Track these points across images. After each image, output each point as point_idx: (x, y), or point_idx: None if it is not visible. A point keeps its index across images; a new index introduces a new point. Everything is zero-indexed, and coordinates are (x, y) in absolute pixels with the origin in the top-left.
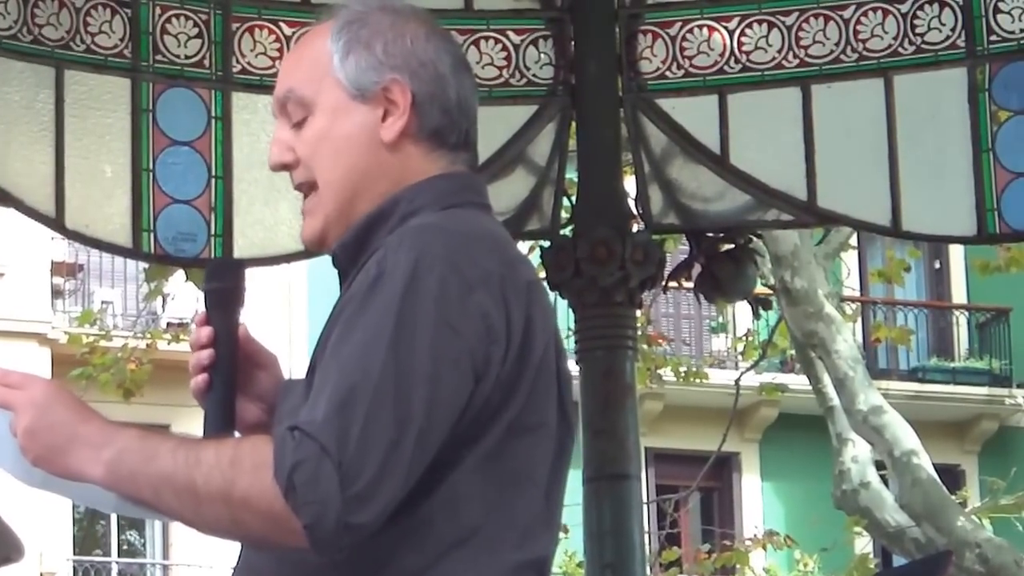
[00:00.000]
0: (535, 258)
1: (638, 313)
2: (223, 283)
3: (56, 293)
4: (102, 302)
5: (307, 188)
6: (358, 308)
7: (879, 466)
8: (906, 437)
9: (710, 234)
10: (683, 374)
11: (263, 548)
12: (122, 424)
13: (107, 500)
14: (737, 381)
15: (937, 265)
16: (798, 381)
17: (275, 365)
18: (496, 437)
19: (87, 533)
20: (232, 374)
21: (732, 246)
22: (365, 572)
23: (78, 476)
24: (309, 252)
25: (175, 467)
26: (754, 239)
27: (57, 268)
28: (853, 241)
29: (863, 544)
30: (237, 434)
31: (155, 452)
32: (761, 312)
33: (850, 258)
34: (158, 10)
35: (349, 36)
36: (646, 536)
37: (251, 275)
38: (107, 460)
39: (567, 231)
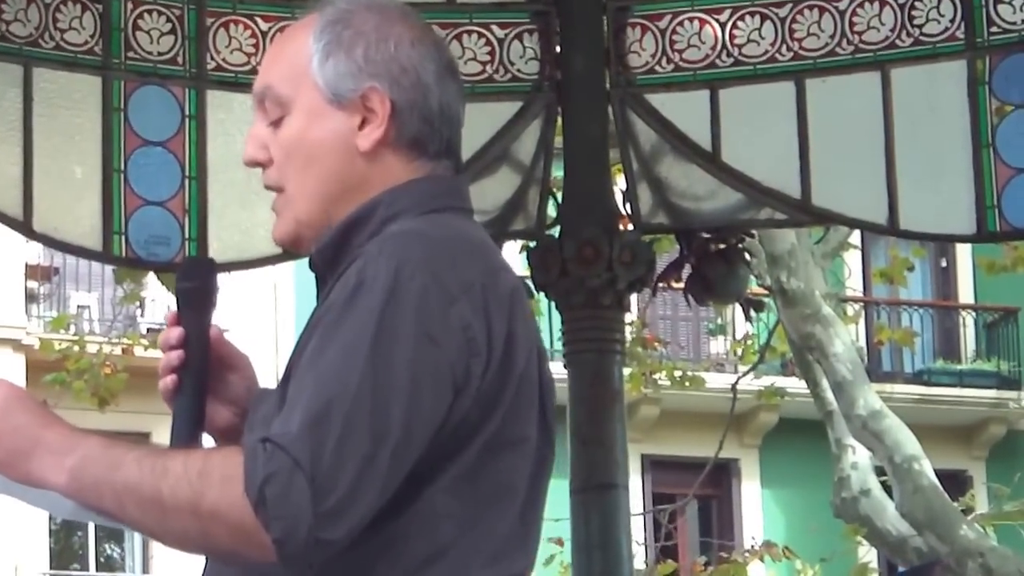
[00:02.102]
0: (521, 259)
1: (634, 316)
2: (195, 282)
3: (31, 297)
4: (78, 306)
5: (278, 189)
6: (336, 318)
7: (880, 473)
8: (907, 442)
9: (701, 234)
10: (679, 378)
11: (230, 562)
12: (86, 431)
13: (65, 506)
14: (734, 386)
15: (943, 264)
16: (798, 385)
17: (248, 368)
18: (474, 453)
19: (64, 546)
20: (203, 376)
21: (723, 246)
22: None
23: (40, 483)
24: (287, 255)
25: (140, 477)
26: (747, 239)
27: (32, 271)
28: (855, 239)
29: (866, 554)
30: (206, 437)
31: (120, 461)
32: (753, 314)
33: (853, 257)
34: (130, 5)
35: (330, 37)
36: (643, 548)
37: (238, 276)
38: (70, 467)
39: (553, 231)
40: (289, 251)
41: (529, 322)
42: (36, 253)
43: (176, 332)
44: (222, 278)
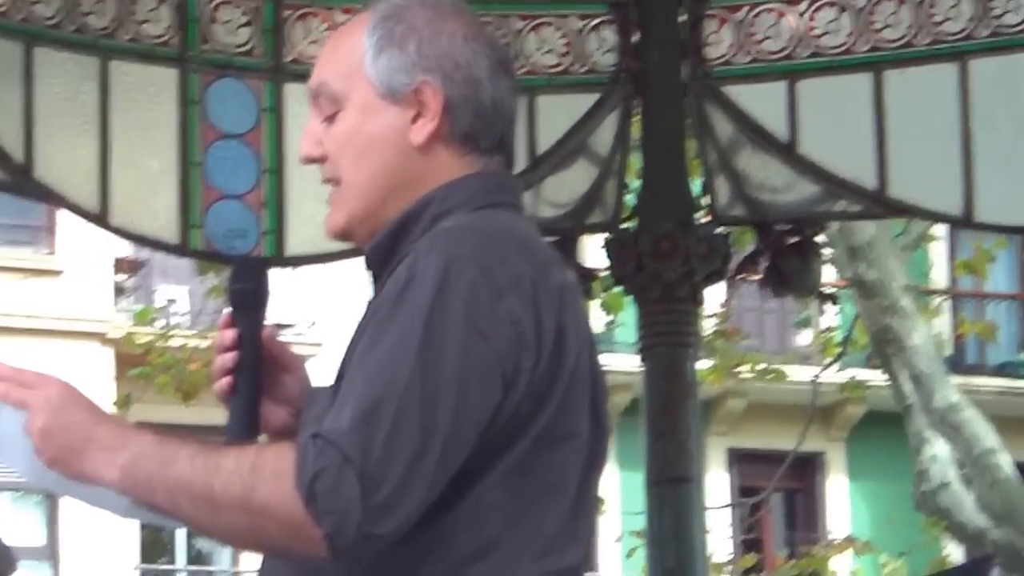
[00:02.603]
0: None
1: (719, 308)
2: (247, 284)
3: (119, 291)
4: (166, 300)
5: (335, 183)
6: (387, 314)
7: (961, 466)
8: (985, 435)
9: (777, 227)
10: (760, 371)
11: (282, 557)
12: (139, 428)
13: (120, 504)
14: (815, 378)
15: None
16: (881, 378)
17: (301, 368)
18: (525, 447)
19: (154, 540)
20: (257, 377)
21: (799, 239)
22: None
23: (93, 479)
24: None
25: (193, 473)
26: (825, 231)
27: (120, 265)
28: (937, 231)
29: (948, 545)
30: (262, 438)
31: (173, 457)
32: (828, 307)
33: (939, 249)
34: None
35: (383, 32)
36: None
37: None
38: (122, 464)
39: (630, 224)
40: (341, 243)
41: (580, 317)
42: (124, 246)
43: (230, 334)
44: (308, 271)
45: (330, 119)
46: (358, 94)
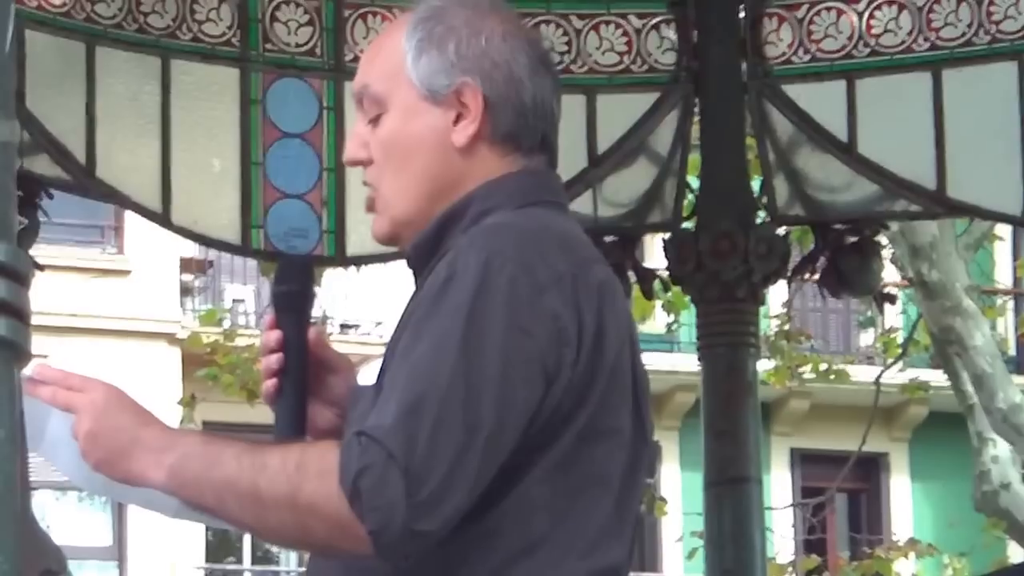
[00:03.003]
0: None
1: (781, 309)
2: (291, 285)
3: (185, 291)
4: (233, 300)
5: (375, 187)
6: (428, 311)
7: (1022, 467)
8: None
9: (836, 226)
10: (823, 372)
11: (328, 555)
12: (185, 429)
13: (169, 505)
14: (878, 379)
15: None
16: (943, 378)
17: (348, 369)
18: (568, 443)
19: (220, 539)
20: (303, 379)
21: (858, 239)
22: None
23: (140, 481)
24: None
25: (239, 472)
26: (886, 231)
27: (186, 265)
28: (1001, 231)
29: (1013, 547)
30: (309, 439)
31: (218, 457)
32: (887, 307)
33: (1003, 249)
34: None
35: (423, 34)
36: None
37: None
38: (169, 465)
39: (689, 223)
40: (388, 247)
41: (621, 315)
42: (191, 246)
43: (275, 336)
44: (374, 271)
45: (374, 122)
46: (400, 96)
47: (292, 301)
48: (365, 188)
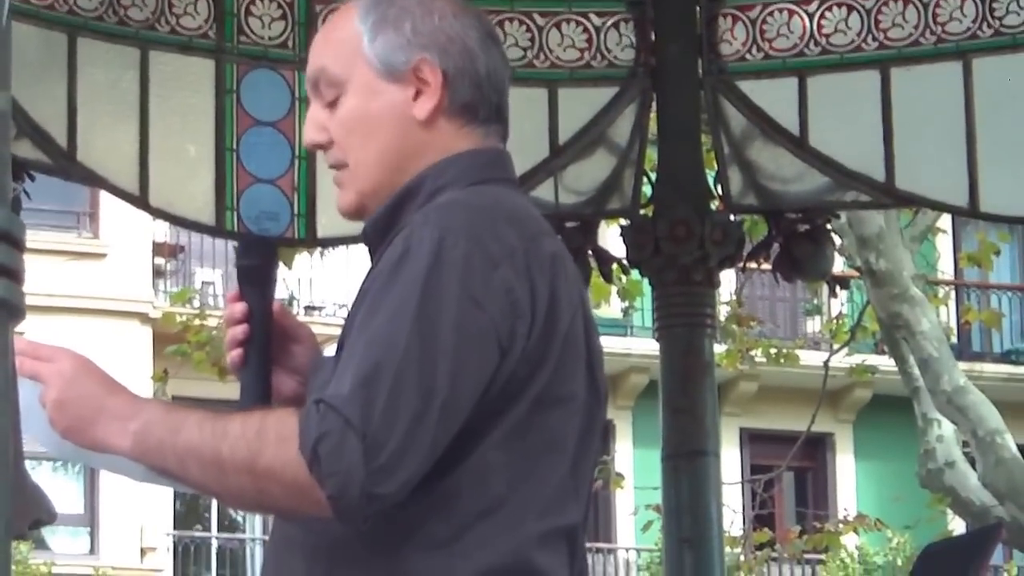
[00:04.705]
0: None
1: (730, 295)
2: (254, 260)
3: (158, 273)
4: (203, 282)
5: (341, 165)
6: (384, 285)
7: (964, 445)
8: (990, 416)
9: (789, 215)
10: (774, 355)
11: (289, 519)
12: (148, 398)
13: (136, 470)
14: (826, 363)
15: None
16: (889, 363)
17: (311, 338)
18: (523, 409)
19: (189, 508)
20: (267, 348)
21: (810, 227)
22: (392, 541)
23: (105, 447)
24: None
25: (201, 439)
26: (834, 220)
27: (159, 248)
28: (943, 224)
29: (952, 521)
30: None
31: (181, 424)
32: (839, 291)
33: (944, 242)
34: None
35: (377, 16)
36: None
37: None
38: (134, 431)
39: (648, 211)
40: (353, 221)
41: (572, 285)
42: (163, 231)
43: (239, 307)
44: (337, 256)
45: (331, 104)
46: (358, 76)
47: (256, 274)
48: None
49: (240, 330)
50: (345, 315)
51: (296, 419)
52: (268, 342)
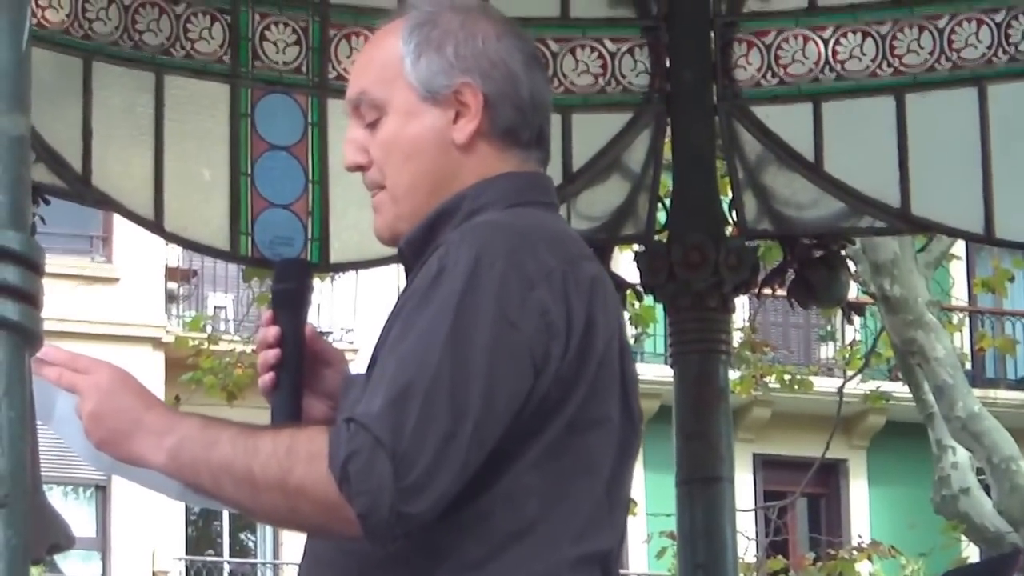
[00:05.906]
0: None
1: (744, 322)
2: (289, 284)
3: (170, 298)
4: (215, 307)
5: (379, 187)
6: (418, 303)
7: (979, 472)
8: (1004, 443)
9: (804, 240)
10: (787, 382)
11: (319, 537)
12: (185, 413)
13: (172, 487)
14: (840, 389)
15: None
16: (903, 389)
17: (342, 363)
18: (557, 431)
19: (201, 533)
20: (299, 372)
21: (825, 253)
22: (425, 563)
23: (140, 462)
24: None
25: (234, 455)
26: (849, 247)
27: (171, 273)
28: (957, 250)
29: (966, 548)
30: None
31: (215, 440)
32: (854, 317)
33: (958, 268)
34: (257, 17)
35: (420, 38)
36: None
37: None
38: (169, 447)
39: (662, 237)
40: (390, 246)
41: (610, 310)
42: (176, 256)
43: (272, 331)
44: (345, 282)
45: (372, 126)
46: (400, 99)
47: (290, 298)
48: (349, 198)
49: (272, 354)
50: (351, 340)
51: (326, 437)
52: (300, 366)
